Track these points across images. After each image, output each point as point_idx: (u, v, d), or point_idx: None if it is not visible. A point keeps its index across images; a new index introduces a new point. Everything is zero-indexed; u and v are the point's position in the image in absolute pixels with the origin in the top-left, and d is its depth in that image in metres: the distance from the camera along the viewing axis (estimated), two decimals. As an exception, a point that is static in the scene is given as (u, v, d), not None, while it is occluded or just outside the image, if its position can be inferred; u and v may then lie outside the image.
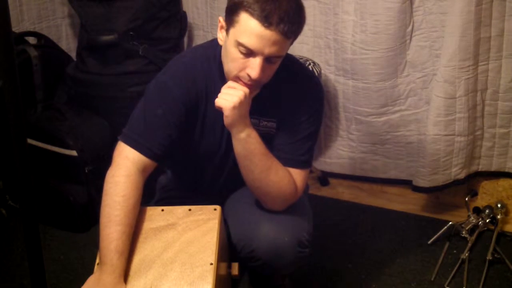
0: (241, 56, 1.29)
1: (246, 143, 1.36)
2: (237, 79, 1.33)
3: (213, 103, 1.40)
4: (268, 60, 1.29)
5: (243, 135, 1.36)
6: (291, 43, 1.34)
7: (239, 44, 1.28)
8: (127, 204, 1.31)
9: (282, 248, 1.40)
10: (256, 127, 1.45)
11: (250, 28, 1.25)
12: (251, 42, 1.26)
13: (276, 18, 1.23)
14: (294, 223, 1.44)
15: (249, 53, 1.28)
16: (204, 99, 1.45)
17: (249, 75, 1.30)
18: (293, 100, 1.44)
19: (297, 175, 1.44)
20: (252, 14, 1.24)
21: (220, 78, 1.41)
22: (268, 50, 1.26)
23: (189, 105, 1.43)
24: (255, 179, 1.40)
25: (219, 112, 1.41)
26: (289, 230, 1.42)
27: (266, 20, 1.23)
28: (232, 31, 1.30)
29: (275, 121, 1.46)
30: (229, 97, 1.32)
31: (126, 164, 1.36)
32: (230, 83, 1.35)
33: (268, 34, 1.24)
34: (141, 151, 1.38)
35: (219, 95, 1.34)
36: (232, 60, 1.32)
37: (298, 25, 1.29)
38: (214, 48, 1.43)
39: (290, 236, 1.41)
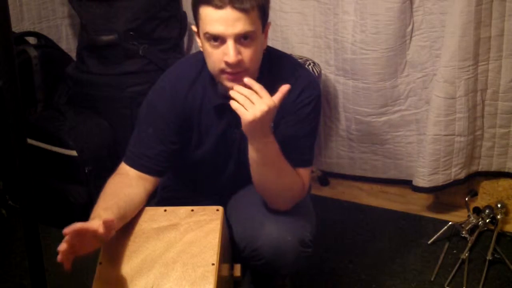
0: (215, 48, 1.30)
1: (263, 151, 1.33)
2: (222, 74, 1.33)
3: (206, 111, 1.44)
4: (240, 41, 1.29)
5: (260, 145, 1.32)
6: (262, 18, 1.32)
7: (207, 36, 1.29)
8: (108, 188, 1.37)
9: (285, 247, 1.40)
10: None
11: (209, 16, 1.27)
12: (213, 28, 1.27)
13: None
14: (297, 223, 1.44)
15: (219, 41, 1.29)
16: (197, 109, 1.46)
17: (226, 62, 1.30)
18: (290, 98, 1.44)
19: (302, 174, 1.45)
20: (206, 3, 1.27)
21: (210, 85, 1.42)
22: (232, 29, 1.27)
23: (180, 119, 1.45)
24: (267, 182, 1.40)
25: (213, 119, 1.43)
26: (292, 230, 1.42)
27: (218, 1, 1.25)
28: (200, 29, 1.32)
29: (273, 120, 1.46)
30: (251, 108, 1.25)
31: (117, 171, 1.44)
32: (257, 86, 1.27)
33: (225, 14, 1.25)
34: (136, 168, 1.43)
35: (240, 98, 1.26)
36: (209, 56, 1.33)
37: None
38: (203, 56, 1.43)
39: (293, 235, 1.41)
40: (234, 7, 1.25)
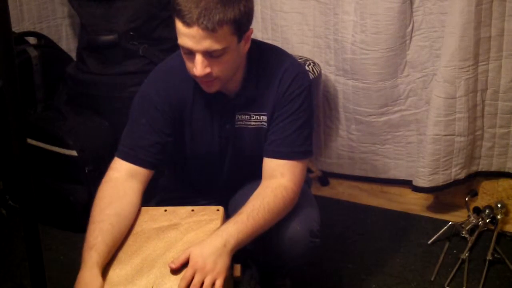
0: (187, 56, 1.34)
1: (239, 243, 1.33)
2: (196, 79, 1.37)
3: (199, 104, 1.45)
4: (210, 55, 1.30)
5: (235, 247, 1.31)
6: (237, 31, 1.31)
7: (180, 46, 1.33)
8: (100, 203, 1.36)
9: (295, 238, 1.42)
10: (248, 122, 1.48)
11: (179, 30, 1.30)
12: (182, 42, 1.30)
13: (195, 16, 1.25)
14: (305, 214, 1.45)
15: (189, 52, 1.31)
16: (189, 102, 1.47)
17: (194, 74, 1.33)
18: (280, 90, 1.45)
19: (295, 167, 1.44)
20: (178, 16, 1.29)
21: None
22: (200, 46, 1.29)
23: (173, 111, 1.45)
24: (261, 232, 1.39)
25: (206, 112, 1.45)
26: (301, 220, 1.43)
27: (186, 19, 1.27)
28: None
29: (266, 114, 1.47)
30: (207, 277, 1.25)
31: (108, 174, 1.42)
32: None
33: (192, 32, 1.27)
34: (128, 160, 1.42)
35: None
36: (185, 62, 1.36)
37: (224, 15, 1.27)
38: None
39: (302, 225, 1.43)
40: (200, 26, 1.26)
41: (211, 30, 1.26)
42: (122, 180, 1.40)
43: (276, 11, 2.29)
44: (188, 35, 1.28)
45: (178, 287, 1.22)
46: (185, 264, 1.26)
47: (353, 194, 2.42)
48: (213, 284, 1.25)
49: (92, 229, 1.31)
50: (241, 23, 1.31)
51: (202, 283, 1.24)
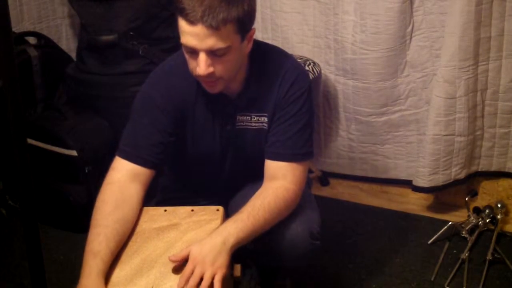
0: (190, 57, 1.33)
1: (239, 242, 1.33)
2: (198, 78, 1.36)
3: (200, 104, 1.45)
4: (213, 54, 1.30)
5: (235, 246, 1.32)
6: (240, 30, 1.31)
7: (182, 45, 1.32)
8: (104, 207, 1.35)
9: (296, 239, 1.41)
10: (249, 123, 1.47)
11: (182, 28, 1.29)
12: (186, 41, 1.30)
13: (199, 14, 1.25)
14: (305, 215, 1.45)
15: (193, 51, 1.31)
16: (191, 102, 1.47)
17: (197, 73, 1.33)
18: (281, 92, 1.45)
19: (297, 169, 1.44)
20: (181, 15, 1.28)
21: None
22: (204, 45, 1.28)
23: (175, 110, 1.45)
24: (263, 231, 1.39)
25: (207, 113, 1.44)
26: (301, 222, 1.43)
27: (190, 17, 1.26)
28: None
29: (267, 115, 1.47)
30: (206, 270, 1.25)
31: (111, 174, 1.41)
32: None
33: (196, 30, 1.26)
34: (130, 160, 1.42)
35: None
36: (188, 62, 1.36)
37: (228, 13, 1.26)
38: None
39: (303, 227, 1.43)
40: (205, 24, 1.25)
41: (215, 28, 1.26)
42: (124, 182, 1.39)
43: (276, 11, 2.29)
44: (192, 34, 1.27)
45: (178, 284, 1.22)
46: (184, 263, 1.26)
47: (353, 194, 2.42)
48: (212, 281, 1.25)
49: (96, 233, 1.30)
50: (245, 22, 1.31)
51: (201, 280, 1.24)
